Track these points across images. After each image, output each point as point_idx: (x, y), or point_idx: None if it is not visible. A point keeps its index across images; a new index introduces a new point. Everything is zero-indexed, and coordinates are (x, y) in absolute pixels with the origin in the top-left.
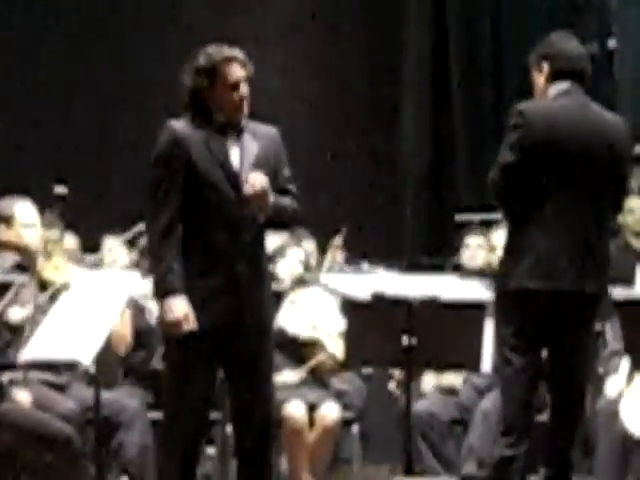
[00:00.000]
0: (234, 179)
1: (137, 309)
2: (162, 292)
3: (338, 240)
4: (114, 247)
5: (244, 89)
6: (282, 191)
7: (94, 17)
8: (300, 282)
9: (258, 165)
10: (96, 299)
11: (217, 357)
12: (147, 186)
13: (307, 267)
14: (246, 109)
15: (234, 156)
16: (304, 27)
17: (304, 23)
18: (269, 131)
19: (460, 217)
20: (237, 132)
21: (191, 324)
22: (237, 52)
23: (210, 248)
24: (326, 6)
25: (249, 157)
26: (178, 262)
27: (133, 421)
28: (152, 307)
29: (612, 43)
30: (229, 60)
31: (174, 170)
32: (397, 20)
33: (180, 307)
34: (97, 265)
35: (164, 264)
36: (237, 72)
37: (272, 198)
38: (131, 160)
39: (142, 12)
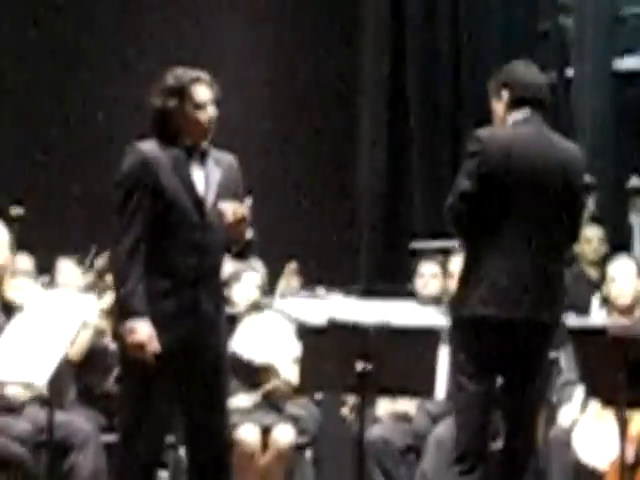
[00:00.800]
0: (199, 204)
1: (96, 332)
2: (126, 313)
3: (293, 265)
4: (67, 269)
5: (211, 110)
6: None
7: (54, 39)
8: (255, 307)
9: (221, 192)
10: (51, 320)
11: (174, 380)
12: (114, 206)
13: (264, 292)
14: (213, 131)
15: (198, 181)
16: (259, 52)
17: (259, 47)
18: (229, 159)
19: (415, 244)
20: (201, 156)
21: (154, 347)
22: (204, 74)
23: (172, 270)
24: (282, 33)
25: (213, 183)
26: (142, 283)
27: (86, 443)
28: (106, 328)
29: (570, 72)
30: (197, 81)
31: (141, 191)
32: (355, 48)
33: (144, 329)
34: (50, 286)
35: (129, 285)
36: (205, 93)
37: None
38: (86, 181)
39: (101, 36)
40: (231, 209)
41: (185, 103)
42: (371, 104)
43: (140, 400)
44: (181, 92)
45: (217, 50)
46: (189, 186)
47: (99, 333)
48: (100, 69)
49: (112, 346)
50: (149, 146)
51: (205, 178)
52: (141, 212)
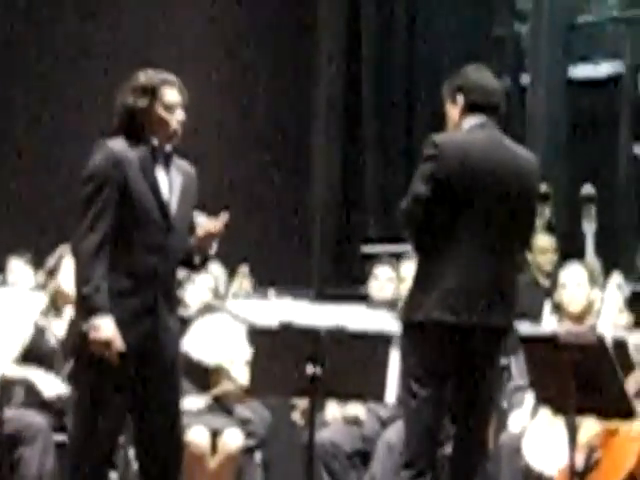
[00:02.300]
0: (163, 206)
1: (38, 330)
2: (90, 310)
3: (245, 268)
4: (18, 268)
5: (180, 114)
6: (192, 229)
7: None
8: (207, 308)
9: (183, 199)
10: (1, 318)
11: (128, 380)
12: (81, 202)
13: (216, 294)
14: (179, 135)
15: (162, 183)
16: (211, 56)
17: (211, 53)
18: (188, 168)
19: (367, 249)
20: (165, 160)
21: (119, 345)
22: (175, 78)
23: (134, 270)
24: (234, 38)
25: (176, 188)
26: (105, 282)
27: (36, 438)
28: (53, 328)
29: (525, 79)
30: (168, 83)
31: (109, 189)
32: (309, 51)
33: (109, 327)
34: (1, 285)
35: (93, 282)
36: (175, 96)
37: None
38: (37, 179)
39: (54, 42)
40: (207, 224)
41: (155, 104)
42: (326, 110)
43: (96, 400)
44: (153, 92)
45: (173, 53)
46: (154, 188)
47: (41, 331)
48: (50, 74)
49: (55, 344)
50: (118, 144)
51: (169, 182)
52: (109, 209)
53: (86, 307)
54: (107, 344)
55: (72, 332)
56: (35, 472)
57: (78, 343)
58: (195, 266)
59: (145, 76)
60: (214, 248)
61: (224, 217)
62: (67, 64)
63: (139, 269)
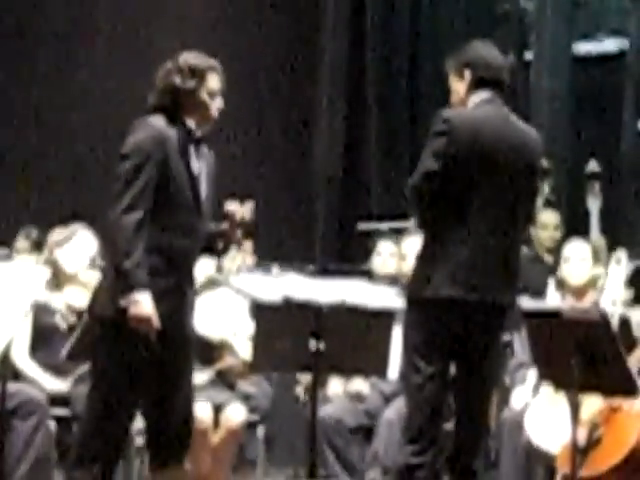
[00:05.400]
0: (195, 189)
1: (40, 307)
2: (130, 285)
3: (248, 243)
4: (23, 246)
5: (220, 102)
6: (224, 216)
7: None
8: (210, 284)
9: (208, 184)
10: (5, 292)
11: (153, 355)
12: (121, 178)
13: (219, 269)
14: (214, 122)
15: (194, 167)
16: (215, 26)
17: (215, 22)
18: (211, 155)
19: (365, 225)
20: (197, 143)
21: (156, 321)
22: (218, 64)
23: (166, 249)
24: (239, 19)
25: (204, 172)
26: (144, 258)
27: (32, 413)
28: (56, 305)
29: (529, 55)
30: (213, 69)
31: (152, 166)
32: (313, 28)
33: (149, 303)
34: (8, 259)
35: (135, 258)
36: (217, 82)
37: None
38: (46, 160)
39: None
40: (239, 210)
41: (201, 87)
42: (329, 88)
43: (123, 373)
44: (200, 75)
45: (175, 34)
46: (189, 169)
47: (46, 308)
48: (50, 56)
49: (57, 320)
50: (160, 122)
51: (199, 165)
52: (150, 186)
53: (126, 282)
54: (147, 320)
55: (98, 304)
56: (20, 448)
57: (110, 316)
58: (217, 251)
59: (193, 58)
60: (239, 235)
61: (250, 205)
62: (64, 56)
63: (171, 249)
